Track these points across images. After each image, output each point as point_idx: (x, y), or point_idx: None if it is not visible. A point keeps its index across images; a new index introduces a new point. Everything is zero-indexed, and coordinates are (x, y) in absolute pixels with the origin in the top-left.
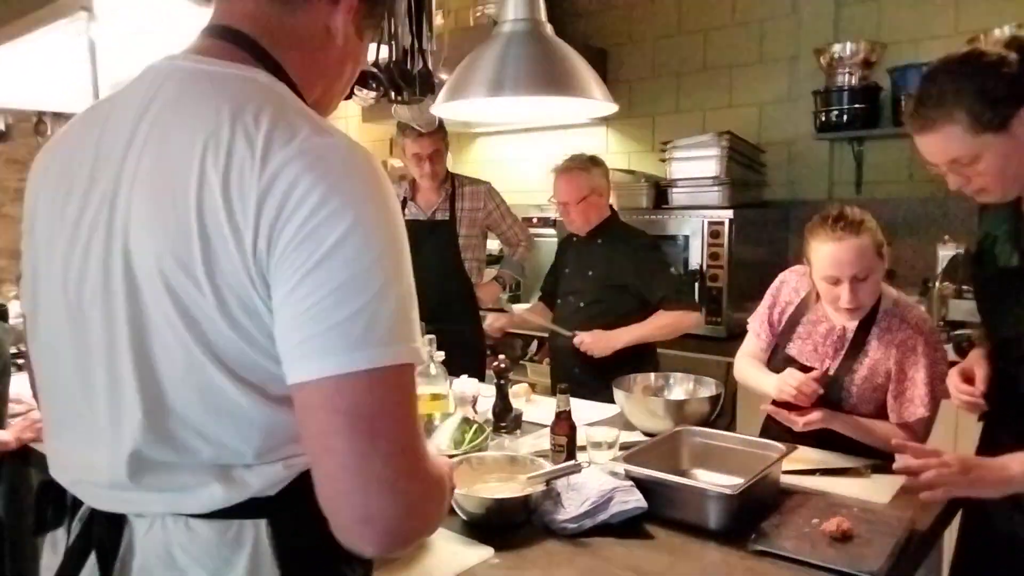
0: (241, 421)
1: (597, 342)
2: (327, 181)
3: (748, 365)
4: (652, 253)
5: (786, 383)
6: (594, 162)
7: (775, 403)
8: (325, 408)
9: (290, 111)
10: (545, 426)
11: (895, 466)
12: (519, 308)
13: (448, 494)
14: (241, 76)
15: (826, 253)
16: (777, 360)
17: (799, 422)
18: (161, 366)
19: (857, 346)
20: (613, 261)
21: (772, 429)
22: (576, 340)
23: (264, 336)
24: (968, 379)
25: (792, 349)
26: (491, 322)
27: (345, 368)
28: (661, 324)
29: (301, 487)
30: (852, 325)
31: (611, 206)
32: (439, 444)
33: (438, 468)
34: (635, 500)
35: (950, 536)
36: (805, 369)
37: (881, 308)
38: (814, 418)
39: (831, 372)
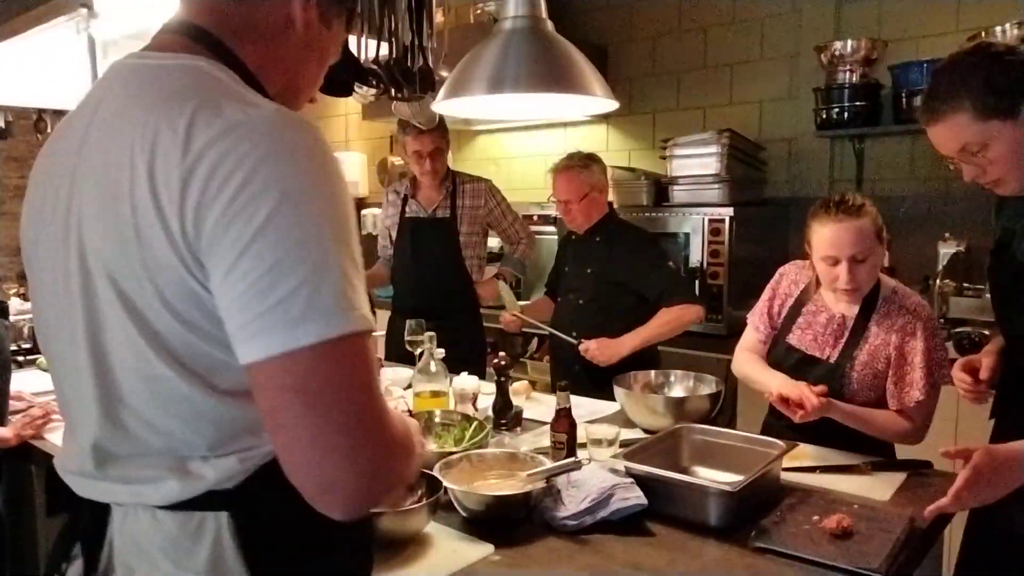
0: (190, 413)
1: (603, 351)
2: (253, 156)
3: (747, 360)
4: (650, 249)
5: (789, 390)
6: (592, 159)
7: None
8: (274, 387)
9: (220, 93)
10: (545, 423)
11: (928, 510)
12: (523, 305)
13: (416, 449)
14: (180, 65)
15: (826, 234)
16: (779, 350)
17: (798, 413)
18: (113, 359)
19: (857, 333)
20: (611, 258)
21: (773, 426)
22: (581, 348)
23: (209, 321)
24: (973, 370)
25: (793, 339)
26: (508, 319)
27: (288, 346)
28: (664, 322)
29: (263, 480)
30: (852, 313)
31: (609, 203)
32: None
33: (401, 427)
34: (635, 497)
35: (950, 533)
36: (807, 357)
37: (880, 295)
38: (813, 406)
39: (832, 360)
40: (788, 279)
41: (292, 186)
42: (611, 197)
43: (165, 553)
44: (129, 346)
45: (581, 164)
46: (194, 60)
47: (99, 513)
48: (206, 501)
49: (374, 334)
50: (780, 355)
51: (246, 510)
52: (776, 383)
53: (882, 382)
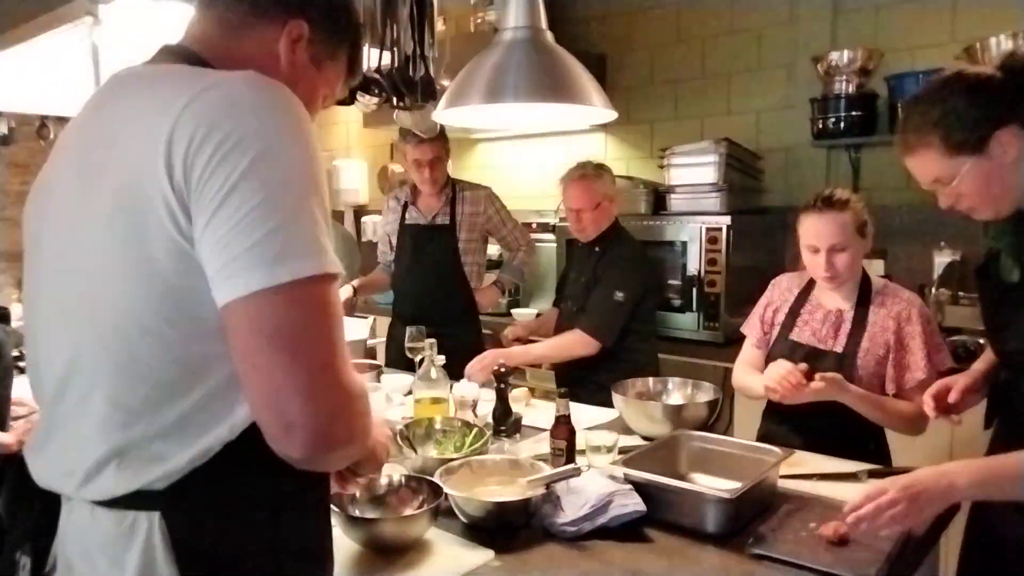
0: (150, 392)
1: (480, 361)
2: (233, 109)
3: (744, 373)
4: (620, 266)
5: (775, 371)
6: (603, 169)
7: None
8: (249, 327)
9: (203, 73)
10: (544, 430)
11: (848, 520)
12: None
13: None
14: (173, 68)
15: (809, 225)
16: (783, 348)
17: (802, 390)
18: (84, 333)
19: (859, 323)
20: (598, 269)
21: (770, 434)
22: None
23: (196, 278)
24: (947, 390)
25: (794, 335)
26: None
27: (265, 283)
28: (557, 345)
29: (197, 483)
30: (847, 307)
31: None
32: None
33: (360, 383)
34: (634, 504)
35: (947, 540)
36: (813, 350)
37: (873, 289)
38: (818, 386)
39: (839, 350)
40: (780, 288)
41: (270, 137)
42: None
43: (103, 550)
44: (102, 312)
45: (595, 173)
46: (184, 66)
47: (51, 505)
48: (140, 500)
49: (372, 341)
50: (785, 352)
51: (177, 511)
52: (759, 382)
53: (884, 369)
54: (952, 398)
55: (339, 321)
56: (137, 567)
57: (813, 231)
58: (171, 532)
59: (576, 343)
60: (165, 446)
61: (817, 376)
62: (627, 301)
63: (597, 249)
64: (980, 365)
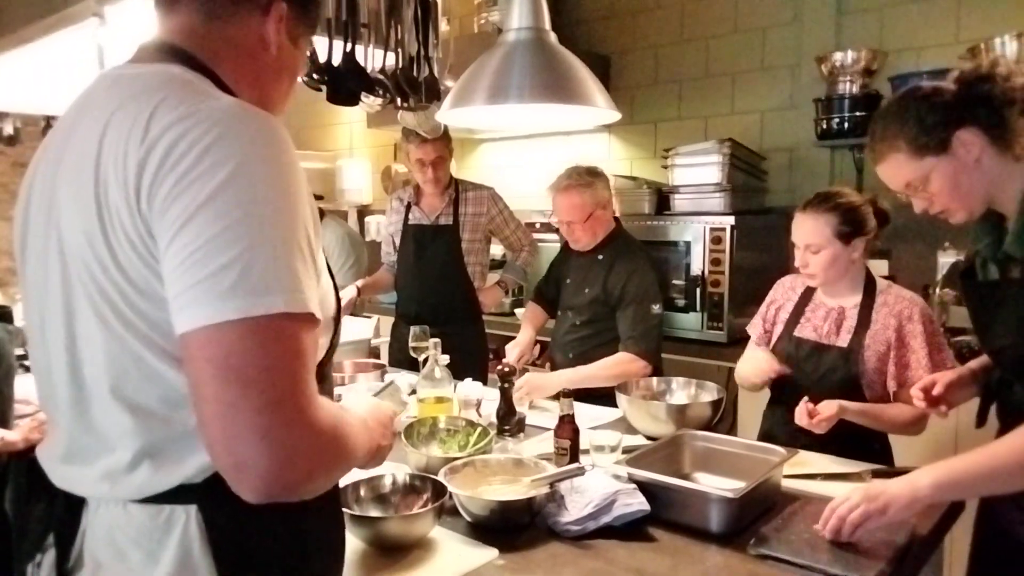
0: (162, 396)
1: (533, 389)
2: (205, 139)
3: (743, 367)
4: (643, 278)
5: (759, 364)
6: (594, 174)
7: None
8: (199, 358)
9: (187, 90)
10: (547, 430)
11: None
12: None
13: (364, 443)
14: (154, 70)
15: (794, 220)
16: (788, 344)
17: (815, 424)
18: (84, 350)
19: (863, 319)
20: (610, 280)
21: (772, 433)
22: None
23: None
24: (935, 384)
25: (798, 332)
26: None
27: (214, 319)
28: (609, 368)
29: None
30: (849, 304)
31: (616, 218)
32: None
33: (329, 420)
34: (638, 503)
35: (951, 540)
36: (818, 345)
37: (877, 288)
38: (828, 415)
39: (842, 344)
40: (784, 287)
41: (239, 168)
42: (614, 206)
43: (137, 545)
44: (101, 329)
45: (583, 183)
46: (169, 67)
47: (74, 503)
48: (176, 494)
49: (376, 341)
50: (790, 349)
51: (213, 503)
52: (755, 370)
53: (885, 366)
54: (937, 391)
55: (299, 356)
56: (173, 560)
57: (793, 228)
58: (207, 524)
59: (631, 368)
60: (195, 441)
61: (818, 407)
62: (661, 311)
63: (601, 258)
64: (973, 364)
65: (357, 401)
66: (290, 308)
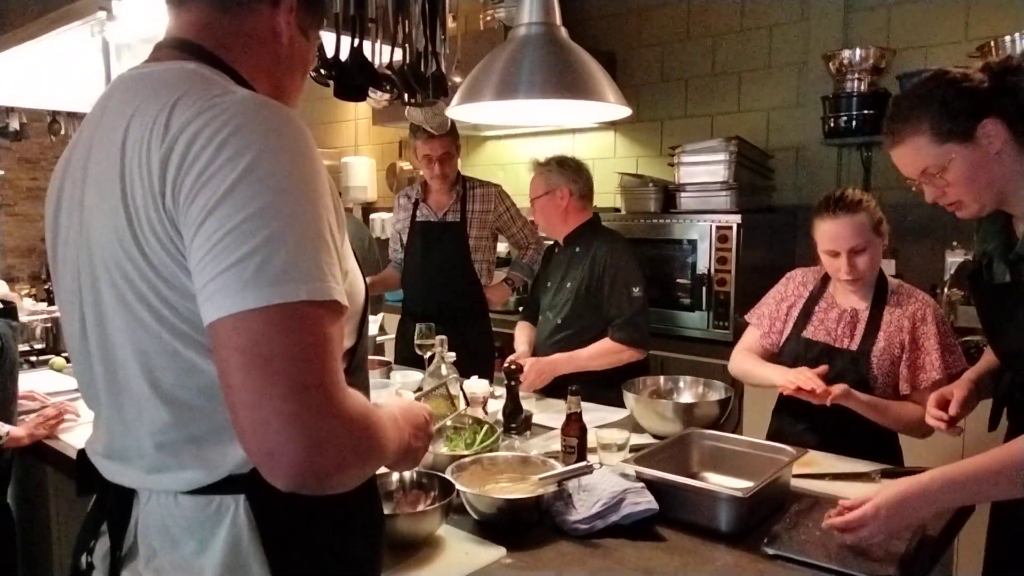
0: (200, 389)
1: (537, 374)
2: (223, 132)
3: (745, 358)
4: (619, 259)
5: (794, 376)
6: (561, 163)
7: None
8: (225, 347)
9: (204, 85)
10: (554, 428)
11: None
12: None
13: (394, 440)
14: (170, 68)
15: (825, 229)
16: (796, 345)
17: (823, 398)
18: (118, 349)
19: (874, 323)
20: (591, 268)
21: (781, 432)
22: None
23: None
24: (946, 402)
25: (808, 333)
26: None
27: (238, 307)
28: (602, 354)
29: None
30: (862, 307)
31: (596, 212)
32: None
33: (360, 408)
34: (647, 502)
35: (961, 540)
36: (828, 348)
37: (889, 288)
38: (836, 391)
39: (852, 348)
40: (795, 282)
41: (256, 159)
42: (619, 203)
43: (190, 533)
44: (136, 328)
45: (545, 165)
46: (184, 63)
47: (125, 494)
48: (224, 485)
49: (382, 338)
50: (799, 350)
51: (261, 492)
52: (778, 375)
53: (898, 369)
54: (952, 411)
55: (326, 343)
56: (224, 548)
57: (830, 235)
58: (255, 513)
59: (622, 356)
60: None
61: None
62: (643, 293)
63: (579, 249)
64: (978, 369)
65: (389, 400)
66: (313, 296)
